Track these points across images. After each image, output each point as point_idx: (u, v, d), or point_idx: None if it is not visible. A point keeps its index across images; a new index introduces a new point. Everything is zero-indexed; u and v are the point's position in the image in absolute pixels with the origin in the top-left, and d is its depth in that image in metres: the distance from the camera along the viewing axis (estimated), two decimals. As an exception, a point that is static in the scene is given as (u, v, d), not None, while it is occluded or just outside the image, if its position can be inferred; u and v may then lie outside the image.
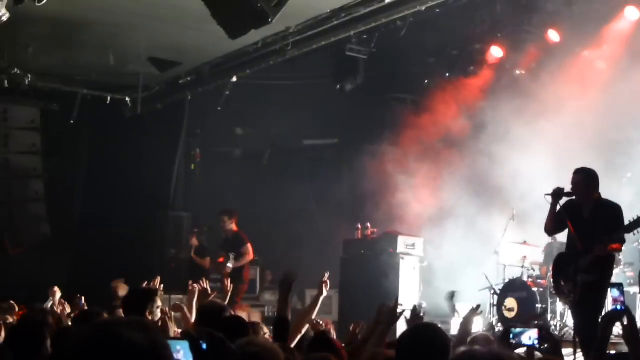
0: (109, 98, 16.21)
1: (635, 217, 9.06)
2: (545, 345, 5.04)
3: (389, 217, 14.93)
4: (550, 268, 12.08)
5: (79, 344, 2.64)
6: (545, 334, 5.07)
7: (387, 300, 13.21)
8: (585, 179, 9.52)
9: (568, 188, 9.55)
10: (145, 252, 15.79)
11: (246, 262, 13.85)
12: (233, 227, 14.09)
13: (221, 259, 13.78)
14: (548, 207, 9.65)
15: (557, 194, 9.50)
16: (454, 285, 13.47)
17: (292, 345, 6.62)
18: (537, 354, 5.76)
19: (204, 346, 5.32)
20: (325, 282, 7.76)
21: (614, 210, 9.36)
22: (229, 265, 13.56)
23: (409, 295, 13.42)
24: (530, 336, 5.10)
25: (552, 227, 9.74)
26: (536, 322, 7.81)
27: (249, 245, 13.94)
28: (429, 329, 4.87)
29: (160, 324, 7.09)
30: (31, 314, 7.94)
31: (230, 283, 13.16)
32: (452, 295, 10.13)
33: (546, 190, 9.65)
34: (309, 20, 12.93)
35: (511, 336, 5.15)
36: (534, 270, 13.03)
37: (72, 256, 16.61)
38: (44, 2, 10.42)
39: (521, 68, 14.40)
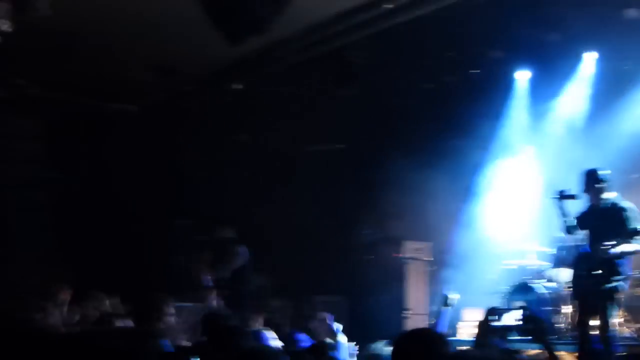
0: (111, 107, 16.21)
1: (635, 227, 9.09)
2: (529, 325, 5.00)
3: (396, 221, 14.94)
4: (559, 269, 12.16)
5: (62, 346, 2.79)
6: (528, 313, 5.04)
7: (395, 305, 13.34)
8: (590, 179, 9.56)
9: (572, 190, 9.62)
10: (150, 261, 15.72)
11: (239, 263, 13.56)
12: (229, 234, 13.92)
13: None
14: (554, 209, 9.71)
15: (559, 196, 9.55)
16: (462, 290, 13.48)
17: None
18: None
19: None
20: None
21: (623, 211, 9.36)
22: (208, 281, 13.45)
23: (417, 299, 13.42)
24: (514, 316, 5.07)
25: (566, 228, 9.76)
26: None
27: (240, 247, 13.68)
28: (424, 332, 4.84)
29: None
30: None
31: (232, 290, 13.22)
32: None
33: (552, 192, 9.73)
34: (309, 26, 12.92)
35: (495, 317, 5.10)
36: (541, 273, 13.00)
37: (74, 266, 16.53)
38: (43, 12, 10.41)
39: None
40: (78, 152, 17.15)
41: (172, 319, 7.47)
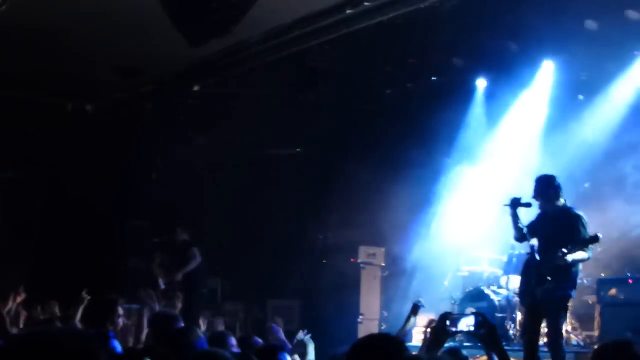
0: (69, 106, 16.10)
1: (594, 234, 9.17)
2: (482, 331, 5.06)
3: (350, 227, 14.98)
4: (510, 276, 12.28)
5: (6, 347, 2.71)
6: (481, 319, 5.08)
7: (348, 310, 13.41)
8: (542, 185, 9.64)
9: (526, 198, 9.70)
10: (104, 262, 15.63)
11: (193, 265, 13.49)
12: (184, 237, 13.87)
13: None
14: (508, 217, 9.79)
15: (514, 203, 9.62)
16: (415, 295, 13.56)
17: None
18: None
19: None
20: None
21: (574, 219, 9.45)
22: (161, 284, 13.34)
23: (370, 304, 13.48)
24: (467, 322, 5.11)
25: (518, 235, 9.84)
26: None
27: (193, 249, 13.62)
28: (382, 338, 4.85)
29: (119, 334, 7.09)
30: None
31: (186, 292, 13.16)
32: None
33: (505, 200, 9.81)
34: (271, 29, 12.93)
35: (447, 323, 5.15)
36: (493, 280, 13.11)
37: (29, 265, 16.41)
38: (3, 7, 10.35)
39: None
40: (33, 150, 17.00)
41: (121, 321, 7.44)
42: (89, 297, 8.47)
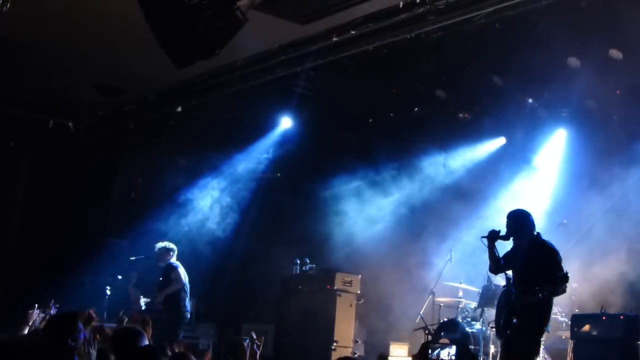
0: (51, 122, 16.06)
1: (564, 273, 9.19)
2: None
3: (327, 253, 14.99)
4: (485, 309, 12.31)
5: None
6: (463, 349, 5.10)
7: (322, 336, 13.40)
8: (514, 221, 9.67)
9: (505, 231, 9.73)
10: (81, 279, 15.53)
11: (175, 287, 13.35)
12: (168, 258, 13.71)
13: (137, 300, 13.43)
14: (485, 249, 9.81)
15: (492, 236, 9.65)
16: (389, 323, 13.57)
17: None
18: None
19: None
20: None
21: (548, 253, 9.46)
22: (142, 305, 13.19)
23: (344, 331, 13.45)
24: (448, 352, 5.14)
25: (494, 267, 9.87)
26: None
27: (177, 271, 13.47)
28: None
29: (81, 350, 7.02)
30: None
31: (168, 314, 13.06)
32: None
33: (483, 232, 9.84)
34: (257, 54, 12.98)
35: (429, 352, 5.16)
36: (468, 312, 13.12)
37: (5, 281, 16.30)
38: (5, 7, 10.35)
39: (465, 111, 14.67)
40: (13, 165, 16.95)
41: (82, 336, 7.34)
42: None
